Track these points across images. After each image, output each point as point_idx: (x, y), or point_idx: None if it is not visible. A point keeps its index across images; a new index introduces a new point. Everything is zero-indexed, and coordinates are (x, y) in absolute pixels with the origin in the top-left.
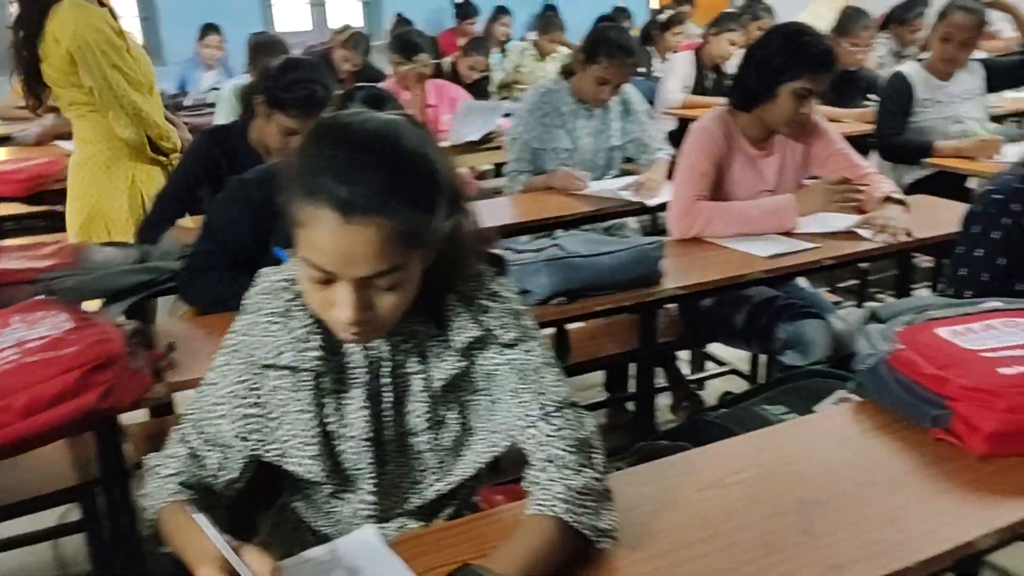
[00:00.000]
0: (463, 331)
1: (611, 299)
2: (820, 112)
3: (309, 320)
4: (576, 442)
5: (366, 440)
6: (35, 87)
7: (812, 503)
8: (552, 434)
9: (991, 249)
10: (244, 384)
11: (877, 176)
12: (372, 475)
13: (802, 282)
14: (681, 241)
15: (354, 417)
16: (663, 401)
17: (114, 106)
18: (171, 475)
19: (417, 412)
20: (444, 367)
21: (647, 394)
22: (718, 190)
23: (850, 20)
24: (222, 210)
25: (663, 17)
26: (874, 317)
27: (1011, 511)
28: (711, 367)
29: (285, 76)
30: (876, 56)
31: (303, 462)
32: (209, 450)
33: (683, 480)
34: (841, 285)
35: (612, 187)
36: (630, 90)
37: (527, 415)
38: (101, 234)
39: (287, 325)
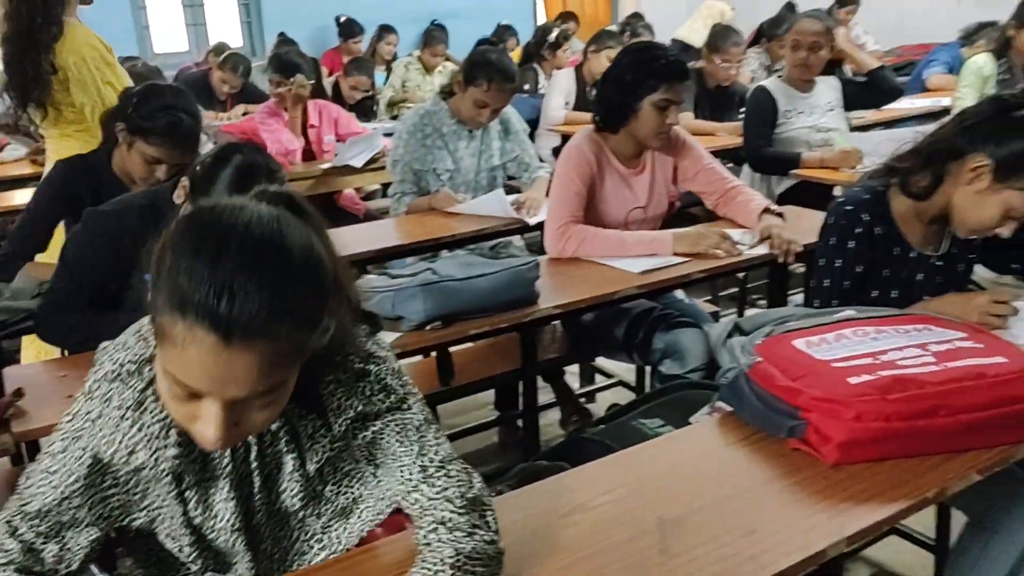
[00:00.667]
0: (341, 412)
1: (488, 321)
2: (694, 127)
3: (165, 414)
4: (465, 502)
5: (236, 528)
6: (27, 101)
7: (672, 522)
8: (436, 496)
9: (848, 259)
10: (93, 470)
11: (747, 190)
12: (248, 557)
13: (679, 293)
14: (558, 259)
15: (220, 508)
16: (554, 415)
17: None
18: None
19: (291, 492)
20: (319, 448)
21: (532, 412)
22: (592, 208)
23: (720, 37)
24: (79, 244)
25: (552, 36)
26: (737, 329)
27: (858, 518)
28: (600, 380)
29: (147, 103)
30: (749, 70)
31: (169, 544)
32: (45, 543)
33: (551, 505)
34: (723, 294)
35: (494, 206)
36: (508, 110)
37: (408, 479)
38: None
39: (140, 420)
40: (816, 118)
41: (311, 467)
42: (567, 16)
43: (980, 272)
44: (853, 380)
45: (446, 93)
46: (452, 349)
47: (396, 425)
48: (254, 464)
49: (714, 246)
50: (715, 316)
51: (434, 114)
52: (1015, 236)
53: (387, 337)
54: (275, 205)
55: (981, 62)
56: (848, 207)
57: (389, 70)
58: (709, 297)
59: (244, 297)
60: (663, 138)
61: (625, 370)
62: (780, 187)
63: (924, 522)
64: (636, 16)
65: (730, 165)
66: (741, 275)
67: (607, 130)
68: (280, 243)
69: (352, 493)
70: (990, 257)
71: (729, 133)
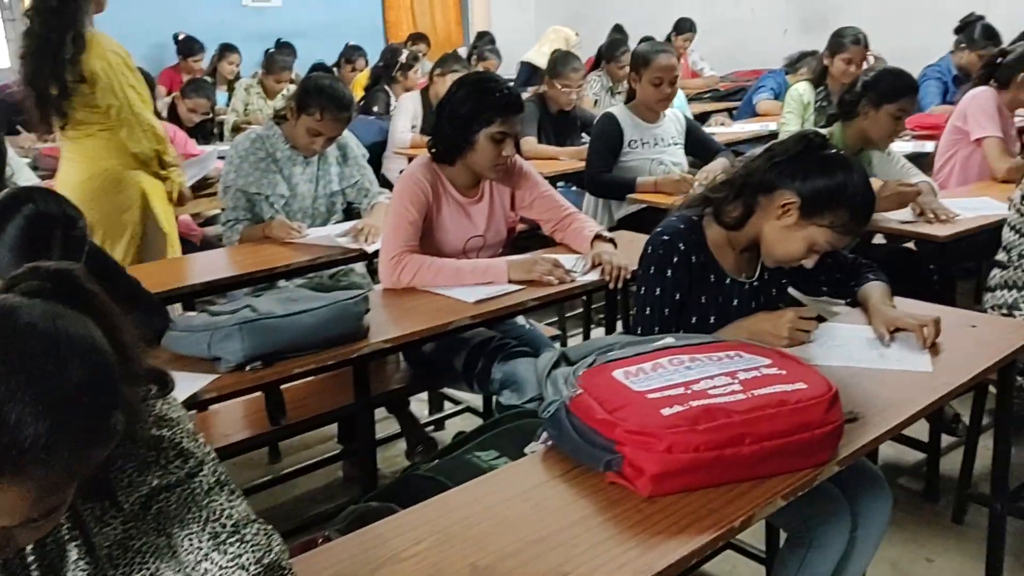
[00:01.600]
0: (133, 489)
1: (314, 359)
2: (537, 151)
3: None
4: (261, 569)
5: None
6: (49, 111)
7: (485, 569)
8: (229, 564)
9: (667, 287)
10: None
11: (581, 217)
12: None
13: (521, 319)
14: (393, 289)
15: None
16: (402, 446)
17: (131, 123)
18: None
19: None
20: (109, 532)
21: (368, 449)
22: (429, 237)
23: (559, 64)
24: None
25: (403, 58)
26: (564, 359)
27: (667, 553)
28: (449, 407)
29: None
30: (591, 93)
31: None
32: None
33: (364, 557)
34: (570, 315)
35: (331, 234)
36: (346, 134)
37: (198, 547)
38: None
39: None
40: (660, 150)
41: (100, 553)
42: (418, 37)
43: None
44: (666, 411)
45: (279, 117)
46: (287, 384)
47: (183, 491)
48: (31, 559)
49: (547, 273)
50: (562, 340)
51: (267, 138)
52: (822, 262)
53: (203, 380)
54: (48, 290)
55: (801, 90)
56: (665, 237)
57: (231, 90)
58: (555, 319)
59: (16, 427)
60: (500, 170)
61: (473, 397)
62: (620, 212)
63: (758, 534)
64: (486, 38)
65: (575, 189)
66: (584, 297)
67: (444, 162)
68: (58, 354)
69: (148, 570)
70: (801, 281)
71: (571, 157)
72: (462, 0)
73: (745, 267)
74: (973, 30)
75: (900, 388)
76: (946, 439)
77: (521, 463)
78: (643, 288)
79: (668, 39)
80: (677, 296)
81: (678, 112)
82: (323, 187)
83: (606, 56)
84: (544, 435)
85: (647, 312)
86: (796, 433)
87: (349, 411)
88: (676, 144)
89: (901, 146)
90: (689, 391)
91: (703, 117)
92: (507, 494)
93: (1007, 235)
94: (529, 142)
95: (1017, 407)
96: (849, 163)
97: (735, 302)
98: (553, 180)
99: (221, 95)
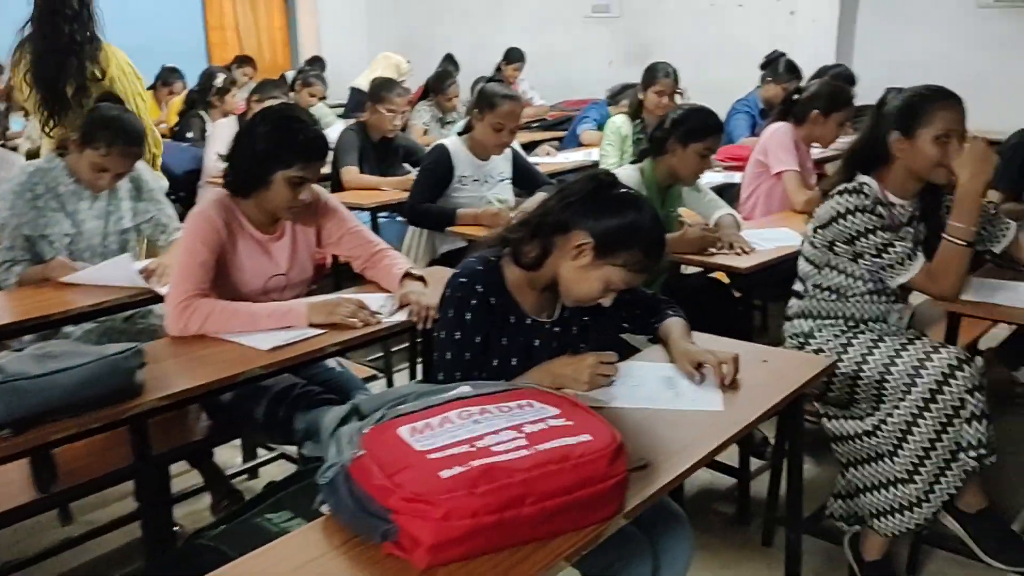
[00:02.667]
0: None
1: (75, 423)
2: (359, 181)
3: None
4: None
5: None
6: (56, 109)
7: None
8: None
9: (466, 331)
10: None
11: (392, 254)
12: None
13: (331, 361)
14: (181, 338)
15: None
16: (206, 501)
17: None
18: None
19: None
20: None
21: (151, 513)
22: (225, 278)
23: (382, 88)
24: None
25: (219, 81)
26: (356, 412)
27: None
28: (263, 453)
29: None
30: (421, 122)
31: None
32: None
33: None
34: (396, 349)
35: (118, 274)
36: (141, 167)
37: None
38: None
39: None
40: (489, 187)
41: None
42: (243, 60)
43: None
44: (445, 473)
45: (62, 150)
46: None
47: None
48: None
49: (350, 315)
50: (387, 379)
51: (47, 172)
52: (622, 299)
53: None
54: None
55: (619, 122)
56: (463, 279)
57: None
58: (380, 354)
59: None
60: (295, 212)
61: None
62: (444, 247)
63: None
64: (317, 64)
65: (400, 219)
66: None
67: (238, 195)
68: None
69: None
70: (602, 319)
71: (394, 187)
72: (290, 22)
73: (546, 307)
74: (777, 65)
75: (692, 429)
76: (756, 462)
77: (301, 533)
78: (443, 332)
79: (498, 68)
80: (477, 339)
81: (507, 151)
82: (114, 224)
83: (433, 88)
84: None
85: (448, 357)
86: (579, 489)
87: (128, 473)
88: (504, 180)
89: (712, 177)
90: (473, 448)
91: (531, 146)
92: (282, 568)
93: (802, 266)
94: (350, 171)
95: (815, 430)
96: (640, 202)
97: (537, 343)
98: (376, 210)
99: (17, 121)
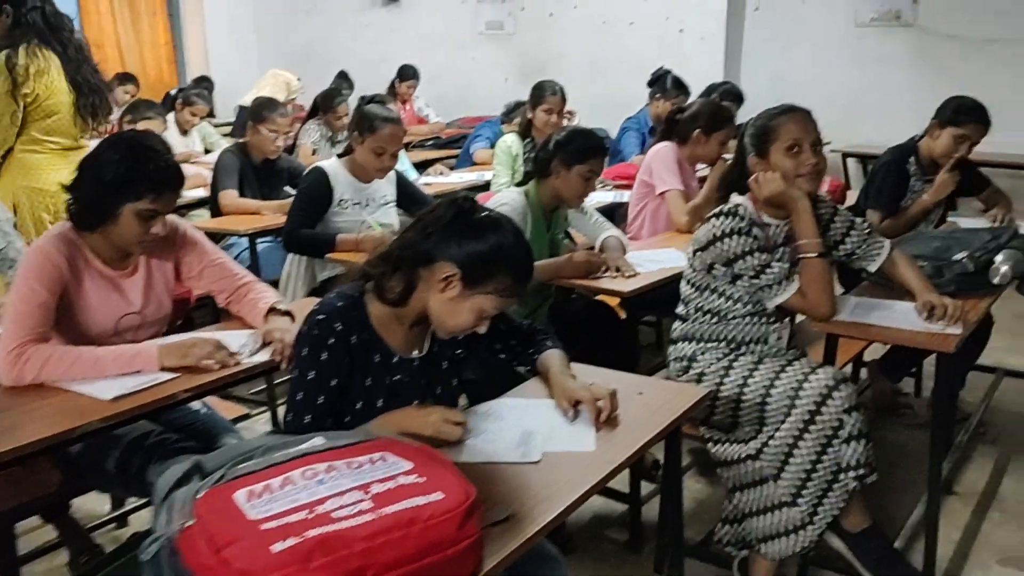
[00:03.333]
0: None
1: None
2: (238, 206)
3: None
4: None
5: None
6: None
7: None
8: None
9: (322, 372)
10: None
11: (259, 287)
12: None
13: (196, 402)
14: (15, 388)
15: None
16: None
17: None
18: None
19: None
20: None
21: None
22: (71, 319)
23: (264, 107)
24: None
25: None
26: (198, 470)
27: None
28: (132, 499)
29: None
30: (310, 142)
31: None
32: None
33: None
34: (280, 381)
35: None
36: None
37: None
38: None
39: None
40: (371, 211)
41: None
42: (125, 78)
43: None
44: (278, 547)
45: None
46: None
47: None
48: None
49: (206, 357)
50: (272, 414)
51: None
52: (497, 330)
53: None
54: None
55: (509, 141)
56: (320, 316)
57: None
58: (263, 387)
59: None
60: (147, 246)
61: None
62: (324, 273)
63: None
64: (203, 83)
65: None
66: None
67: (83, 229)
68: None
69: None
70: (477, 349)
71: (276, 212)
72: (175, 39)
73: (416, 342)
74: (664, 82)
75: (562, 472)
76: (648, 486)
77: None
78: (296, 371)
79: (392, 85)
80: (333, 382)
81: (391, 174)
82: None
83: (322, 106)
84: None
85: (299, 398)
86: (427, 555)
87: None
88: (388, 203)
89: (601, 196)
90: (311, 515)
91: (427, 164)
92: None
93: (684, 289)
94: (228, 195)
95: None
96: (502, 225)
97: (406, 381)
98: (255, 236)
99: None
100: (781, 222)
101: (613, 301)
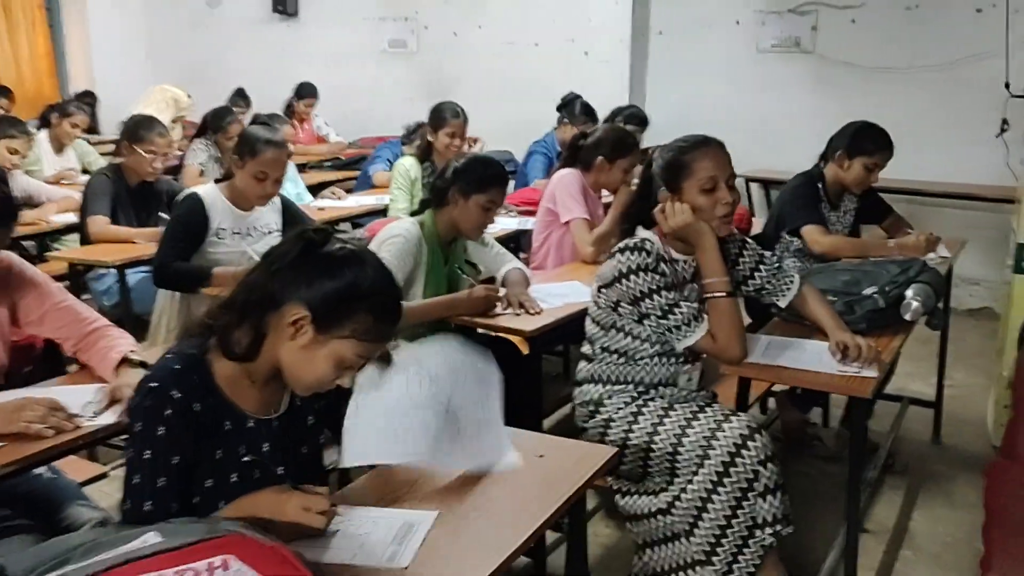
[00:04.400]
0: None
1: None
2: (109, 233)
3: None
4: None
5: None
6: None
7: None
8: None
9: (160, 450)
10: None
11: (112, 332)
12: None
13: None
14: None
15: None
16: None
17: None
18: None
19: None
20: None
21: None
22: None
23: (141, 127)
24: None
25: None
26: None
27: None
28: None
29: None
30: (197, 163)
31: None
32: None
33: None
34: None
35: None
36: None
37: None
38: None
39: None
40: (252, 242)
41: None
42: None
43: None
44: None
45: None
46: None
47: None
48: None
49: (37, 421)
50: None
51: None
52: None
53: None
54: None
55: (408, 164)
56: (153, 384)
57: None
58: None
59: None
60: None
61: None
62: (201, 310)
63: None
64: (86, 95)
65: None
66: None
67: None
68: None
69: None
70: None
71: (150, 239)
72: (56, 50)
73: (273, 400)
74: (573, 107)
75: (446, 568)
76: (552, 534)
77: None
78: (132, 451)
79: (289, 104)
80: (176, 460)
81: (275, 197)
82: None
83: (211, 125)
84: None
85: (136, 482)
86: None
87: None
88: (272, 233)
89: (506, 223)
90: None
91: (324, 187)
92: None
93: (589, 327)
94: (98, 222)
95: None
96: (358, 257)
97: (264, 447)
98: (125, 266)
99: None
100: (689, 257)
101: (516, 337)
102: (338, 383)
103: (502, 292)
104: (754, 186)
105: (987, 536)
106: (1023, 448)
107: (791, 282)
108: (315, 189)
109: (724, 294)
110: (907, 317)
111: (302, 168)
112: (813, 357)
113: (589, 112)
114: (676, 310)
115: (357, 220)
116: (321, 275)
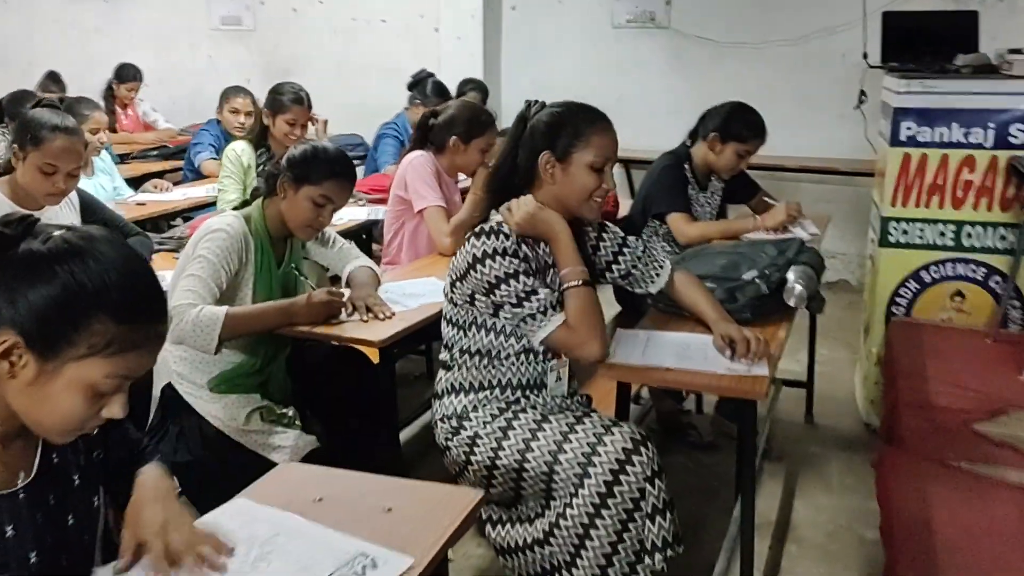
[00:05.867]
0: None
1: None
2: None
3: None
4: None
5: None
6: None
7: None
8: None
9: None
10: None
11: None
12: None
13: None
14: None
15: None
16: None
17: None
18: None
19: None
20: None
21: None
22: None
23: None
24: None
25: None
26: None
27: None
28: None
29: None
30: None
31: None
32: None
33: None
34: None
35: None
36: None
37: None
38: None
39: None
40: None
41: None
42: None
43: None
44: None
45: None
46: None
47: None
48: None
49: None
50: None
51: None
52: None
53: None
54: None
55: (239, 150)
56: None
57: None
58: None
59: None
60: None
61: None
62: None
63: None
64: None
65: None
66: None
67: None
68: None
69: None
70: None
71: None
72: None
73: (20, 464)
74: (425, 86)
75: None
76: None
77: None
78: None
79: (109, 87)
80: None
81: (71, 195)
82: None
83: (9, 112)
84: None
85: None
86: None
87: None
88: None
89: (355, 212)
90: None
91: (148, 179)
92: None
93: (445, 330)
94: None
95: None
96: (73, 248)
97: (10, 527)
98: None
99: None
100: None
101: (365, 347)
102: (104, 417)
103: (347, 295)
104: (615, 167)
105: (888, 538)
106: (907, 433)
107: (660, 267)
108: (141, 182)
109: (580, 283)
110: (791, 303)
111: (124, 159)
112: (698, 354)
113: (442, 92)
114: (533, 297)
115: (189, 215)
116: (24, 283)
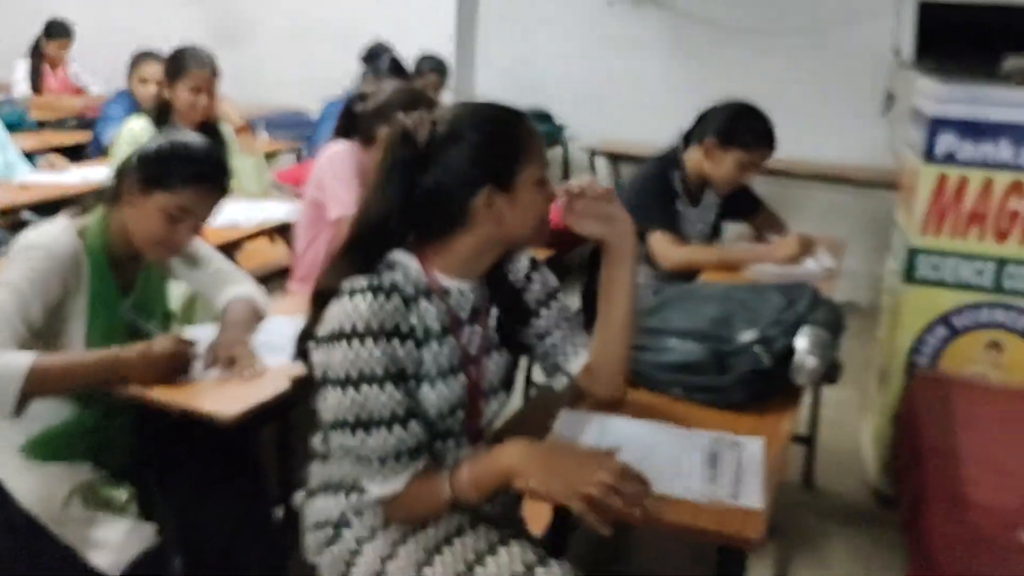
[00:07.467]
0: None
1: None
2: None
3: None
4: None
5: None
6: None
7: None
8: None
9: None
10: None
11: None
12: None
13: None
14: None
15: None
16: None
17: None
18: None
19: None
20: None
21: None
22: None
23: None
24: None
25: None
26: None
27: None
28: None
29: None
30: None
31: None
32: None
33: None
34: None
35: None
36: None
37: None
38: None
39: None
40: None
41: None
42: None
43: None
44: None
45: None
46: None
47: None
48: None
49: None
50: None
51: None
52: None
53: None
54: None
55: (138, 128)
56: None
57: None
58: None
59: None
60: None
61: None
62: None
63: None
64: None
65: None
66: None
67: None
68: None
69: None
70: None
71: None
72: None
73: None
74: (381, 61)
75: None
76: None
77: None
78: None
79: (36, 44)
80: None
81: None
82: None
83: None
84: None
85: None
86: None
87: None
88: None
89: (272, 211)
90: None
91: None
92: None
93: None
94: None
95: None
96: None
97: None
98: None
99: None
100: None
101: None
102: None
103: (203, 343)
104: (600, 160)
105: None
106: (935, 540)
107: (581, 346)
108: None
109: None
110: (799, 381)
111: (41, 126)
112: (667, 459)
113: (399, 70)
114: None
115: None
116: None
